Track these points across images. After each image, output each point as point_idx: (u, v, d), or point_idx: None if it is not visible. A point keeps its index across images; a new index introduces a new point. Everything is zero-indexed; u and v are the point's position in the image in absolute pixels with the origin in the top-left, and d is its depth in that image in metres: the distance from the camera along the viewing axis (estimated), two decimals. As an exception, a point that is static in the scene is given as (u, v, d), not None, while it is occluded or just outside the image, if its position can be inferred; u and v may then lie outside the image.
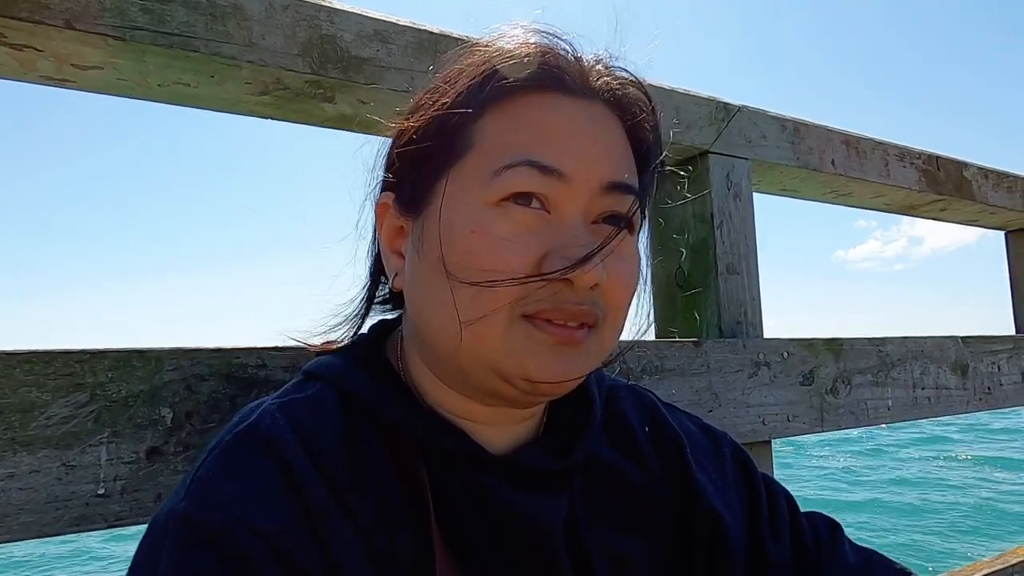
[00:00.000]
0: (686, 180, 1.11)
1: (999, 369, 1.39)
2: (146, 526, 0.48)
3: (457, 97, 0.52)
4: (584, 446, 0.57)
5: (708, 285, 1.07)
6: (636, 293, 0.56)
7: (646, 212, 0.58)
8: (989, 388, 1.36)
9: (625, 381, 0.70)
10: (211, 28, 0.71)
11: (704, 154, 1.09)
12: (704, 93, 1.10)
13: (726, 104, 1.12)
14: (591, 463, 0.59)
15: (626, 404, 0.66)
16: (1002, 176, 1.59)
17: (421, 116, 0.54)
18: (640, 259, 0.56)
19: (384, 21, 0.81)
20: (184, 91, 0.78)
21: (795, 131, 1.21)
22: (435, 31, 0.85)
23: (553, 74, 0.52)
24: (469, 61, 0.54)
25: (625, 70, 0.57)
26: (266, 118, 0.87)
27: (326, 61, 0.78)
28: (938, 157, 1.45)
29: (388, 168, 0.58)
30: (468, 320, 0.49)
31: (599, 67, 0.55)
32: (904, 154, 1.39)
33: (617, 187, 0.52)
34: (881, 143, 1.35)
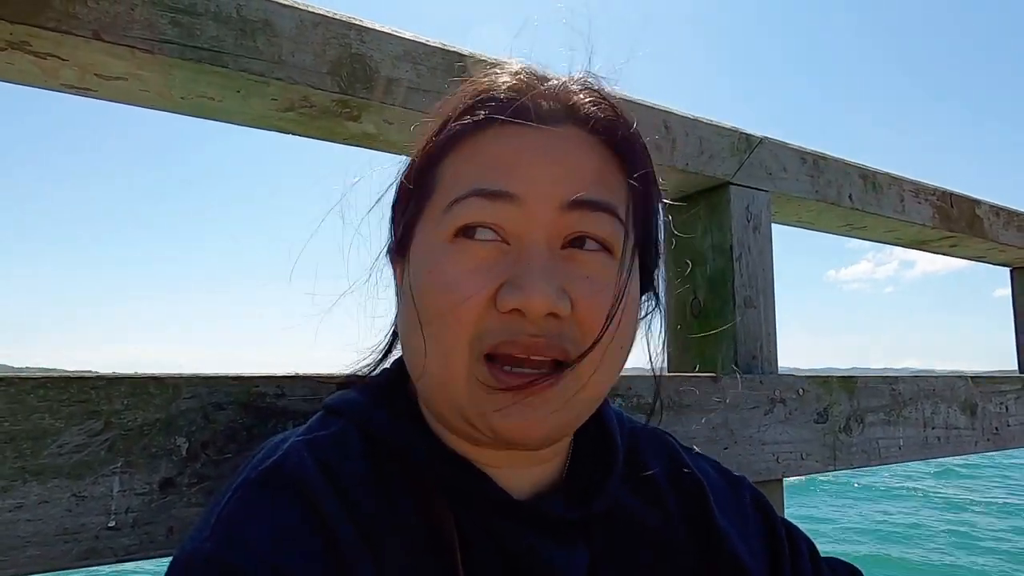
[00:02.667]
0: (705, 210, 1.10)
1: (1007, 409, 1.39)
2: (160, 565, 0.46)
3: (427, 142, 0.53)
4: (606, 495, 0.56)
5: (725, 318, 1.06)
6: (631, 322, 0.51)
7: (644, 243, 0.55)
8: (997, 428, 1.36)
9: (644, 423, 0.69)
10: (240, 43, 0.70)
11: (725, 185, 1.08)
12: (727, 124, 1.10)
13: (748, 135, 1.12)
14: (612, 510, 0.58)
15: (646, 449, 0.64)
16: (1012, 215, 1.59)
17: (409, 167, 0.55)
18: (627, 282, 0.51)
19: (414, 42, 0.80)
20: (207, 104, 0.76)
21: (815, 164, 1.21)
22: (464, 53, 0.84)
23: (514, 106, 0.51)
24: (443, 103, 0.55)
25: (597, 90, 0.54)
26: (287, 134, 0.85)
27: (355, 80, 0.76)
28: (951, 194, 1.45)
29: (392, 218, 0.59)
30: (433, 362, 0.49)
31: (574, 88, 0.53)
32: (919, 190, 1.38)
33: (581, 204, 0.49)
34: (897, 178, 1.35)
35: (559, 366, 0.48)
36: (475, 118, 0.51)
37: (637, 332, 0.56)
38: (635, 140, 0.54)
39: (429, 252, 0.50)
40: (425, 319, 0.49)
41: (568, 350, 0.48)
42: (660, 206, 0.57)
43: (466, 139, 0.51)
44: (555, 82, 0.54)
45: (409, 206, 0.54)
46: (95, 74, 0.69)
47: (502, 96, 0.51)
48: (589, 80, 0.55)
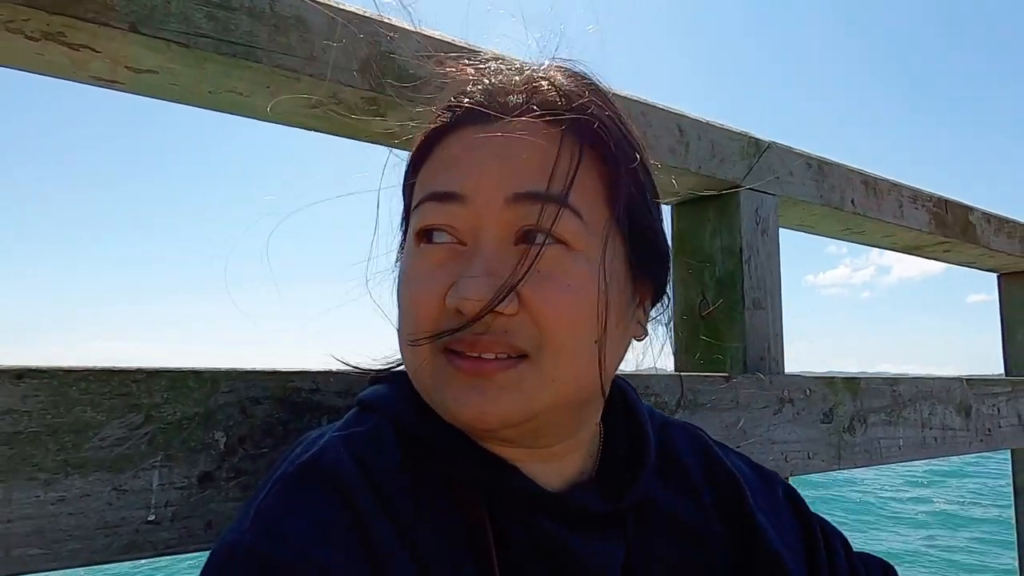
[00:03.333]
0: (716, 213, 1.12)
1: (999, 411, 1.43)
2: (200, 558, 0.46)
3: (409, 156, 0.57)
4: (638, 488, 0.56)
5: (734, 319, 1.07)
6: (593, 314, 0.49)
7: (630, 233, 0.53)
8: (989, 429, 1.39)
9: (673, 418, 0.70)
10: (274, 39, 0.70)
11: (735, 188, 1.10)
12: (737, 128, 1.11)
13: (757, 140, 1.14)
14: (647, 503, 0.59)
15: (680, 442, 0.65)
16: (1003, 222, 1.63)
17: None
18: (589, 275, 0.49)
19: (443, 41, 0.80)
20: (235, 99, 0.76)
21: (819, 169, 1.23)
22: (488, 53, 0.85)
23: (469, 109, 0.52)
24: (439, 99, 0.57)
25: (564, 77, 0.53)
26: (311, 130, 0.85)
27: (384, 78, 0.76)
28: (947, 201, 1.49)
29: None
30: (406, 357, 0.53)
31: (539, 75, 0.53)
32: (916, 196, 1.42)
33: (526, 197, 0.48)
34: (896, 184, 1.38)
35: (522, 358, 0.48)
36: (442, 124, 0.53)
37: (632, 328, 0.56)
38: (588, 121, 0.51)
39: (404, 255, 0.55)
40: (400, 317, 0.53)
41: (521, 347, 0.48)
42: (646, 194, 0.55)
43: (436, 145, 0.54)
44: (526, 74, 0.54)
45: (403, 216, 0.59)
46: (126, 67, 0.68)
47: (468, 99, 0.53)
48: (559, 67, 0.55)
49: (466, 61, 0.57)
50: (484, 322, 0.47)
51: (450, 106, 0.54)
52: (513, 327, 0.47)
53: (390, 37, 0.77)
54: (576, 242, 0.49)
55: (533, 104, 0.51)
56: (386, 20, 0.77)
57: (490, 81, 0.54)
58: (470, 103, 0.52)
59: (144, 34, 0.63)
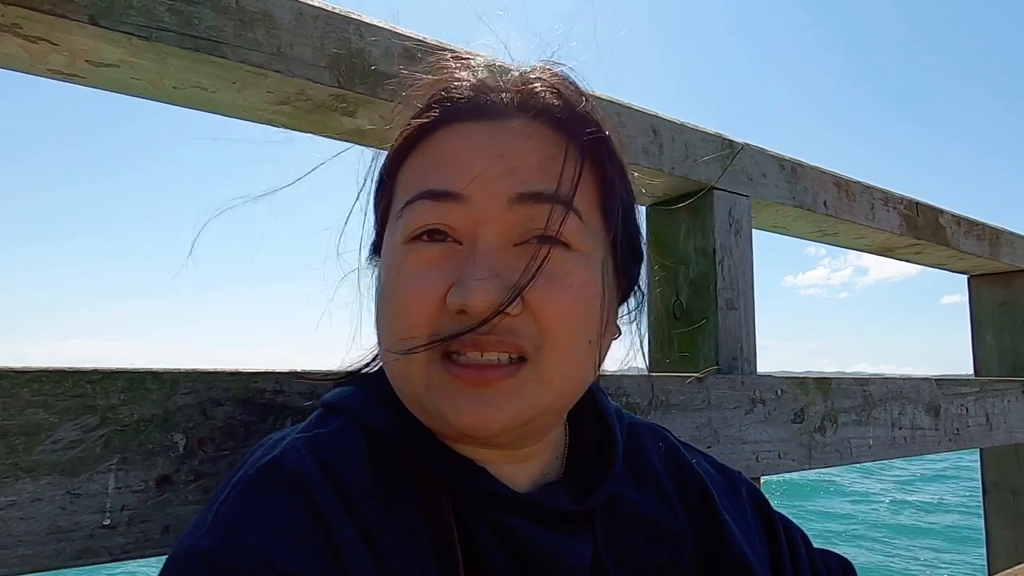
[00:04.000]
0: (689, 214, 1.12)
1: (967, 411, 1.45)
2: (157, 563, 0.45)
3: (390, 150, 0.54)
4: (606, 487, 0.56)
5: (708, 319, 1.08)
6: (595, 316, 0.50)
7: (618, 235, 0.54)
8: (958, 429, 1.41)
9: (641, 418, 0.70)
10: (240, 35, 0.69)
11: (709, 189, 1.10)
12: (711, 129, 1.12)
13: (731, 141, 1.14)
14: (616, 503, 0.58)
15: (647, 443, 0.65)
16: (972, 224, 1.66)
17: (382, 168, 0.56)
18: (588, 276, 0.50)
19: (414, 39, 0.80)
20: (200, 95, 0.75)
21: (792, 171, 1.24)
22: (461, 52, 0.84)
23: (466, 104, 0.51)
24: (406, 96, 0.56)
25: (556, 79, 0.53)
26: (279, 127, 0.84)
27: (353, 75, 0.76)
28: (918, 203, 1.51)
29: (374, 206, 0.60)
30: (395, 362, 0.50)
31: (532, 77, 0.53)
32: (888, 198, 1.43)
33: (529, 198, 0.48)
34: (869, 187, 1.39)
35: (522, 362, 0.48)
36: (429, 118, 0.51)
37: (613, 328, 0.57)
38: (589, 127, 0.52)
39: (390, 254, 0.51)
40: (386, 319, 0.50)
41: (524, 347, 0.47)
42: (631, 197, 0.56)
43: (422, 140, 0.52)
44: (515, 74, 0.54)
45: (380, 206, 0.56)
46: (86, 60, 0.67)
47: (456, 94, 0.51)
48: (549, 69, 0.55)
49: (450, 57, 0.56)
50: (491, 323, 0.46)
51: (438, 100, 0.52)
52: (517, 327, 0.47)
53: (360, 34, 0.76)
54: (577, 243, 0.49)
55: (530, 104, 0.51)
56: (355, 16, 0.76)
57: (481, 78, 0.53)
58: (463, 98, 0.51)
59: (104, 27, 0.62)
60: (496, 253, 0.48)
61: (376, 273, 0.56)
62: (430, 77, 0.56)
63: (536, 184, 0.49)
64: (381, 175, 0.57)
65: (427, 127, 0.51)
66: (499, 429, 0.48)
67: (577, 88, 0.55)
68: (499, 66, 0.55)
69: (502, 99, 0.51)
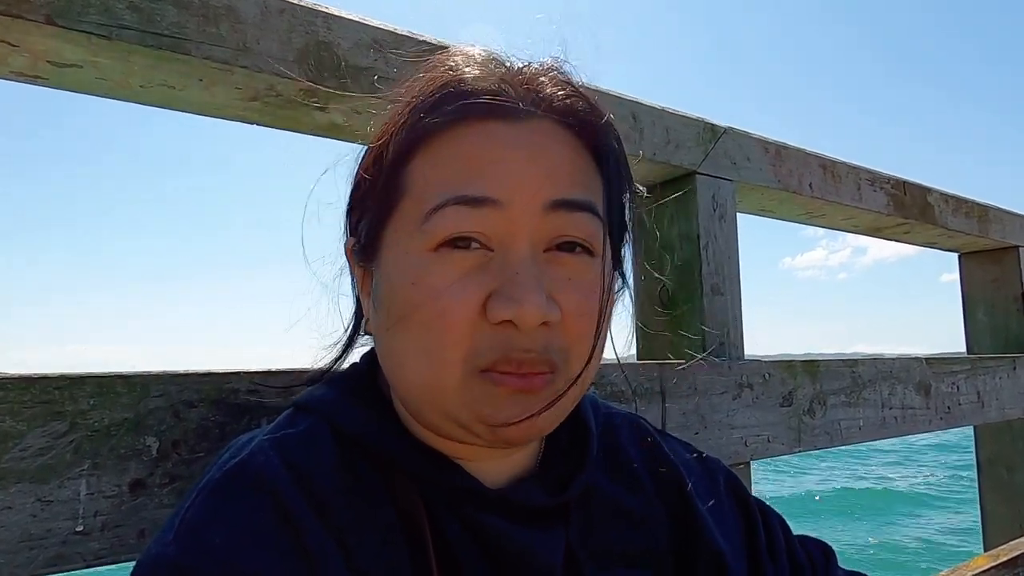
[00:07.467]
0: (673, 200, 1.11)
1: (958, 389, 1.45)
2: (131, 568, 0.44)
3: (387, 137, 0.50)
4: (580, 480, 0.56)
5: (693, 305, 1.07)
6: (608, 317, 0.51)
7: (617, 230, 0.54)
8: (949, 407, 1.41)
9: (619, 408, 0.69)
10: (203, 30, 0.67)
11: (691, 175, 1.10)
12: (693, 114, 1.11)
13: (713, 125, 1.13)
14: (591, 496, 0.58)
15: (622, 433, 0.65)
16: (961, 202, 1.65)
17: (368, 161, 0.52)
18: (603, 283, 0.49)
19: (383, 30, 0.79)
20: (168, 93, 0.73)
21: (776, 154, 1.23)
22: (434, 42, 0.83)
23: (483, 102, 0.48)
24: (404, 89, 0.52)
25: (568, 80, 0.52)
26: (251, 124, 0.83)
27: (322, 69, 0.74)
28: (905, 182, 1.50)
29: (349, 213, 0.56)
30: (422, 373, 0.47)
31: (544, 80, 0.51)
32: (875, 179, 1.43)
33: (562, 205, 0.47)
34: (855, 168, 1.39)
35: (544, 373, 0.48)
36: (445, 115, 0.48)
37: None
38: (610, 130, 0.52)
39: (409, 263, 0.47)
40: (411, 330, 0.47)
41: (556, 361, 0.47)
42: (630, 192, 0.57)
43: (437, 137, 0.48)
44: (525, 73, 0.51)
45: (371, 205, 0.52)
46: (48, 61, 0.66)
47: (472, 88, 0.48)
48: (557, 68, 0.53)
49: (459, 58, 0.52)
50: (532, 337, 0.45)
51: (450, 95, 0.48)
52: (551, 341, 0.47)
53: (328, 26, 0.75)
54: (596, 248, 0.49)
55: (545, 104, 0.49)
56: (322, 9, 0.75)
57: (496, 72, 0.50)
58: (479, 94, 0.48)
59: (61, 26, 0.61)
60: (533, 262, 0.46)
61: (374, 279, 0.52)
62: (437, 70, 0.52)
63: (571, 191, 0.48)
64: (370, 173, 0.52)
65: (441, 123, 0.48)
66: (539, 433, 0.49)
67: (583, 87, 0.53)
68: (503, 62, 0.52)
69: (519, 98, 0.49)
